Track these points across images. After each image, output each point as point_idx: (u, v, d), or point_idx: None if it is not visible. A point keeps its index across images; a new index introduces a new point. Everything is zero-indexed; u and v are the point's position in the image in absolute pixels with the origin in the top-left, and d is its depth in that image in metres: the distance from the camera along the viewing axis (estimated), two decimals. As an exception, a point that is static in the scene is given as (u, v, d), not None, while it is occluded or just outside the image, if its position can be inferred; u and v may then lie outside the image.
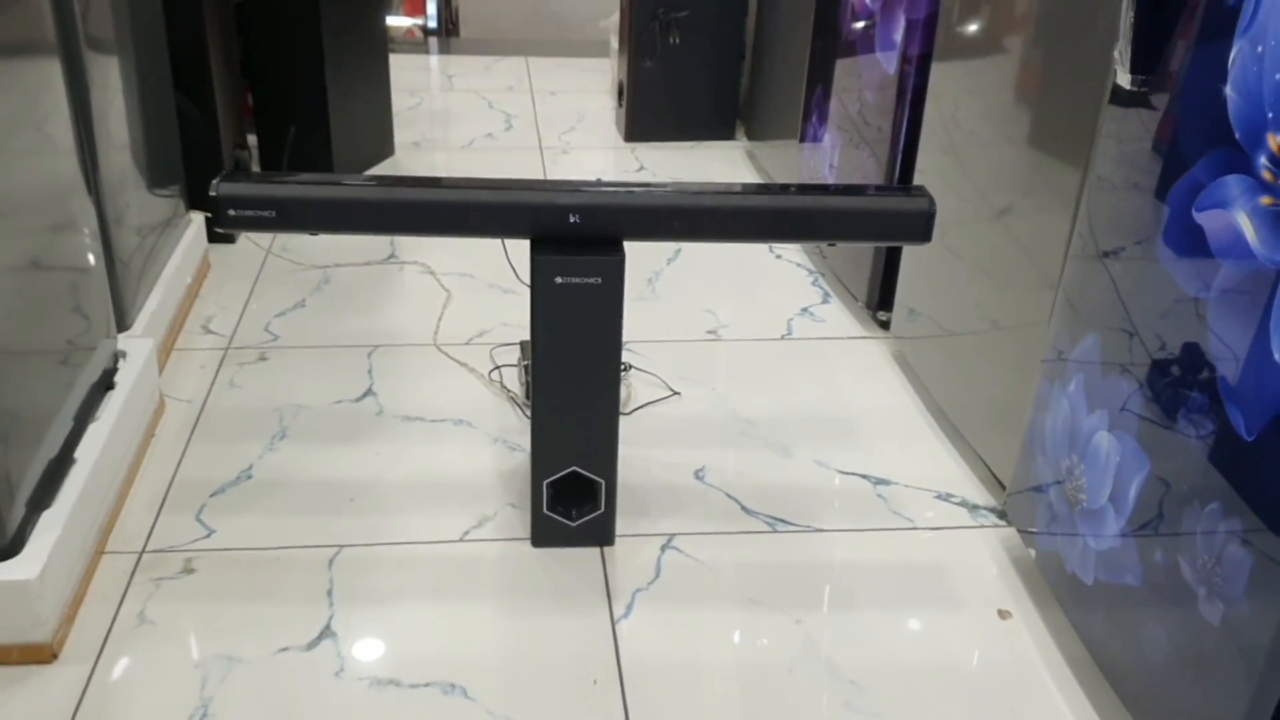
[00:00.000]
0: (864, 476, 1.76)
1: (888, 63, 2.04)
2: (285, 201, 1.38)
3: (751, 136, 3.19)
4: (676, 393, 1.96)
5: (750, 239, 1.44)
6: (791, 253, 2.55)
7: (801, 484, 1.73)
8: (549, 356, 1.45)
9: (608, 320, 1.42)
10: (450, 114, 3.46)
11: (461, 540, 1.58)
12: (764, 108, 3.04)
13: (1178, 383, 1.17)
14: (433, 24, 4.50)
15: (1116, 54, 1.25)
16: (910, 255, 2.03)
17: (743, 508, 1.67)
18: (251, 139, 2.82)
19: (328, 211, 1.39)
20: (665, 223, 1.41)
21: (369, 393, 1.94)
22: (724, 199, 1.40)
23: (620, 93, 3.27)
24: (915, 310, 2.00)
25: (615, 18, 3.40)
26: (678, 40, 3.12)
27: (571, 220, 1.39)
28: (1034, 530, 1.48)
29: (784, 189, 1.42)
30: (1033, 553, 1.49)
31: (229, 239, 2.47)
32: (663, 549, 1.58)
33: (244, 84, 2.92)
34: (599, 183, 1.44)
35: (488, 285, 2.34)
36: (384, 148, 3.04)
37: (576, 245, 1.40)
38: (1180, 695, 1.17)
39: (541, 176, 2.95)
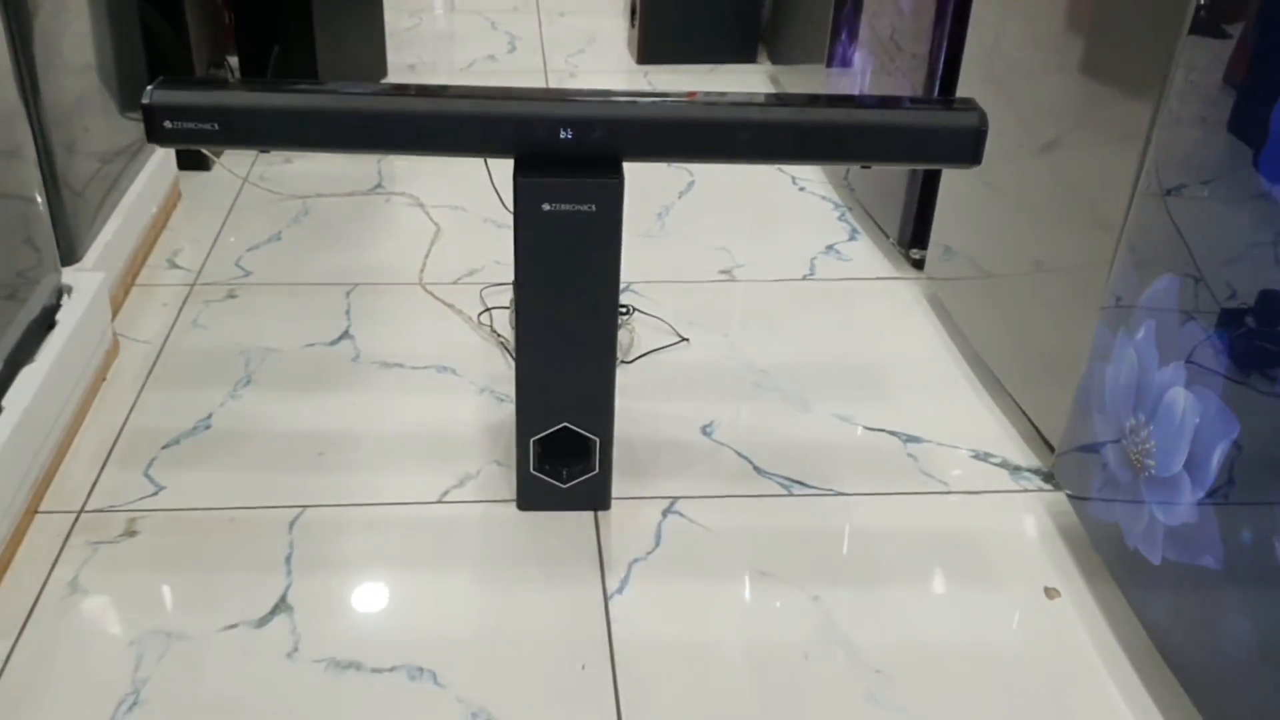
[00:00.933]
0: (892, 433, 1.57)
1: (926, -30, 1.81)
2: (230, 112, 1.19)
3: (775, 60, 2.96)
4: (685, 339, 1.77)
5: (771, 159, 1.23)
6: (816, 184, 2.34)
7: (821, 441, 1.55)
8: (536, 296, 1.26)
9: (604, 254, 1.23)
10: (450, 35, 3.24)
11: (440, 501, 1.41)
12: (788, 28, 2.81)
13: (1276, 335, 0.98)
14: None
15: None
16: (948, 188, 1.82)
17: (755, 468, 1.49)
18: (234, 61, 2.62)
19: (279, 123, 1.20)
20: (673, 139, 1.21)
21: (345, 335, 1.76)
22: (743, 112, 1.19)
23: (633, 12, 3.04)
24: (952, 249, 1.80)
25: (628, -68, 3.16)
26: (694, -45, 2.88)
27: (563, 136, 1.20)
28: (1087, 496, 1.30)
29: (812, 100, 1.22)
30: (1085, 523, 1.31)
31: (202, 165, 2.28)
32: (664, 514, 1.40)
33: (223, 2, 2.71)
34: (596, 92, 1.24)
35: (481, 219, 2.14)
36: (376, 70, 2.83)
37: (568, 166, 1.20)
38: (1262, 695, 0.99)
39: (545, 103, 2.74)
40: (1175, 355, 1.12)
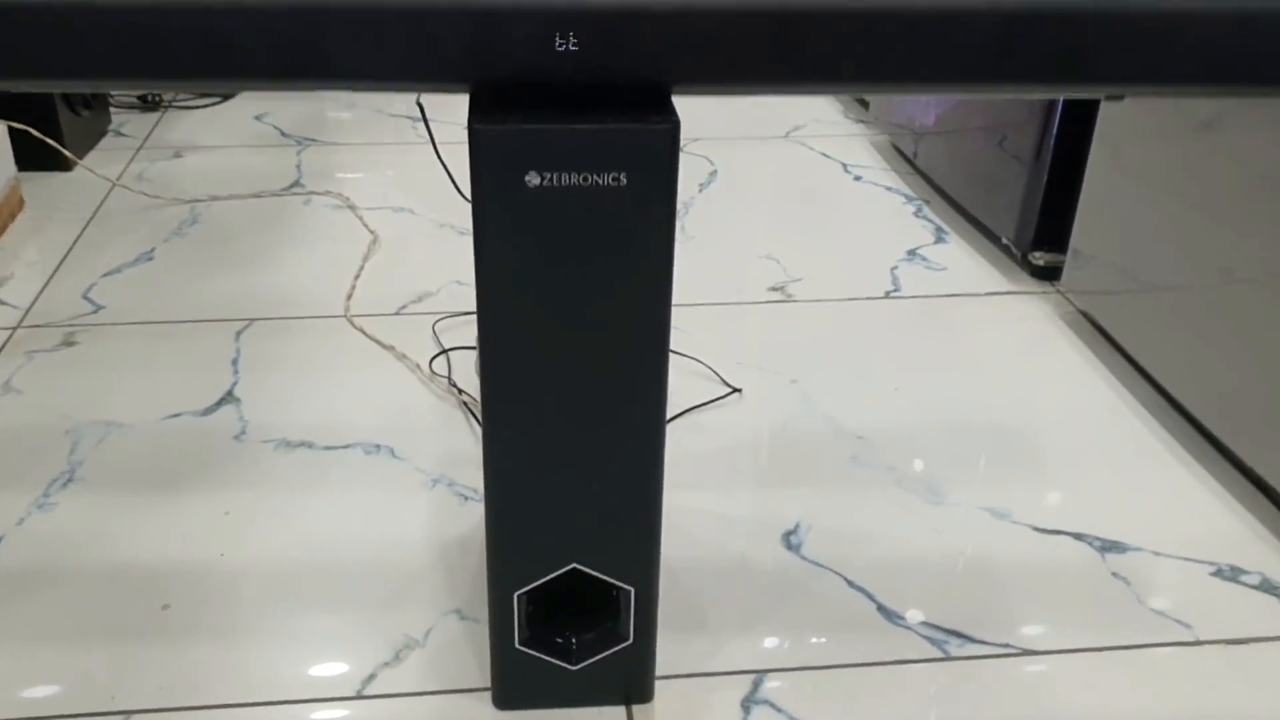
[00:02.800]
0: (1078, 537, 1.01)
1: None
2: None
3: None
4: (736, 390, 1.21)
5: (952, 82, 0.67)
6: (875, 170, 1.79)
7: (973, 555, 0.98)
8: (513, 346, 0.69)
9: (643, 265, 0.67)
10: None
11: (359, 697, 0.83)
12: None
13: None
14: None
15: None
16: (1099, 163, 1.27)
17: (880, 606, 0.92)
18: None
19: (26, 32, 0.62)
20: (774, 46, 0.64)
21: (228, 398, 1.18)
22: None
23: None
24: (1097, 254, 1.25)
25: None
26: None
27: (560, 46, 0.63)
28: None
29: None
30: None
31: (61, 165, 1.69)
32: (745, 707, 0.83)
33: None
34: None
35: (436, 224, 1.57)
36: None
37: (572, 99, 0.64)
38: None
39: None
40: None
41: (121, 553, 0.96)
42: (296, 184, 1.69)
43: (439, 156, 1.00)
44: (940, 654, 0.88)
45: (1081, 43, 0.64)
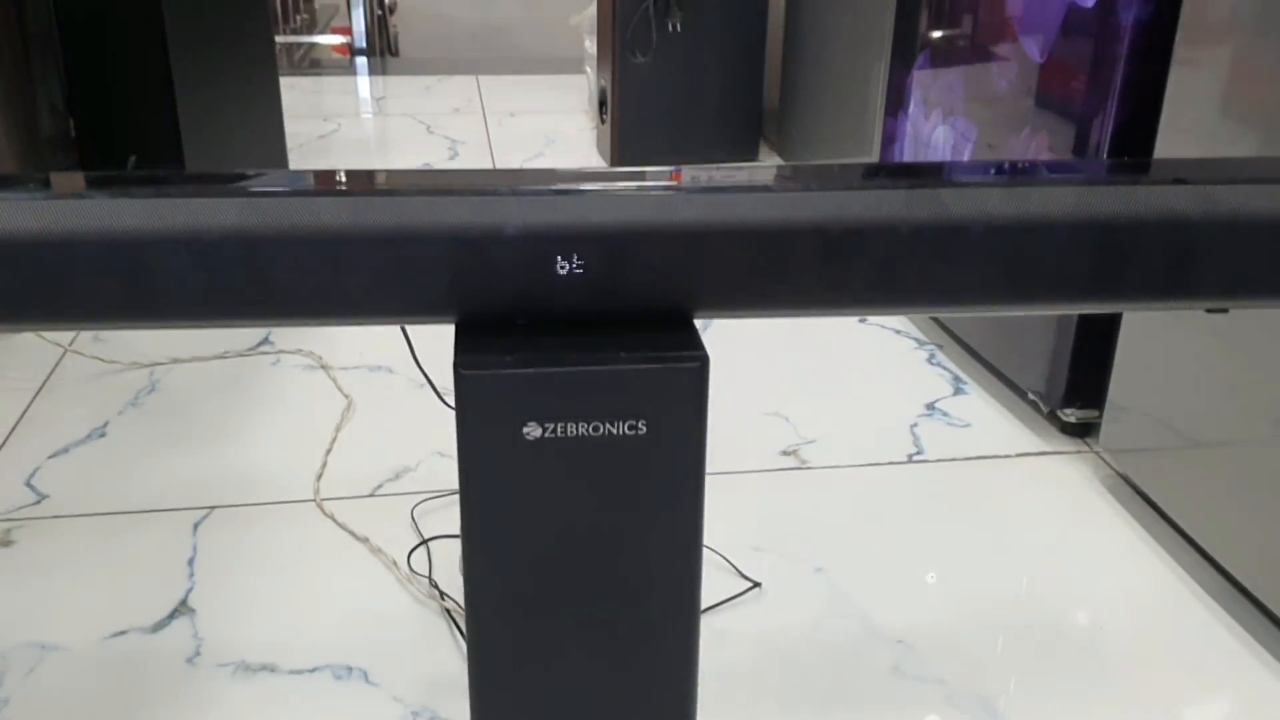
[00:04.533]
0: (1159, 765, 0.88)
1: (1077, -12, 1.20)
2: None
3: (786, 154, 2.34)
4: (755, 584, 1.08)
5: (1029, 301, 0.56)
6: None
7: (1045, 794, 0.85)
8: (506, 622, 0.57)
9: (670, 525, 0.55)
10: (376, 142, 2.60)
11: None
12: (805, 115, 2.20)
13: None
14: (361, 42, 3.65)
15: None
16: (1137, 313, 1.17)
17: None
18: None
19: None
20: (825, 266, 0.54)
21: (181, 609, 1.04)
22: (982, 199, 0.53)
23: (603, 104, 2.42)
24: (1136, 406, 1.14)
25: (590, 10, 2.57)
26: (678, 27, 2.28)
27: (563, 270, 0.53)
28: None
29: (1076, 169, 0.56)
30: None
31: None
32: None
33: (67, 111, 2.06)
34: (617, 173, 0.57)
35: (415, 384, 1.46)
36: (275, 186, 2.16)
37: (577, 334, 0.53)
38: None
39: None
40: None
41: (46, 823, 0.82)
42: (264, 342, 1.58)
43: (422, 370, 0.88)
44: None
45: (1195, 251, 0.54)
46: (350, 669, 0.97)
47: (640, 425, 0.53)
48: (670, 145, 2.39)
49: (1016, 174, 0.59)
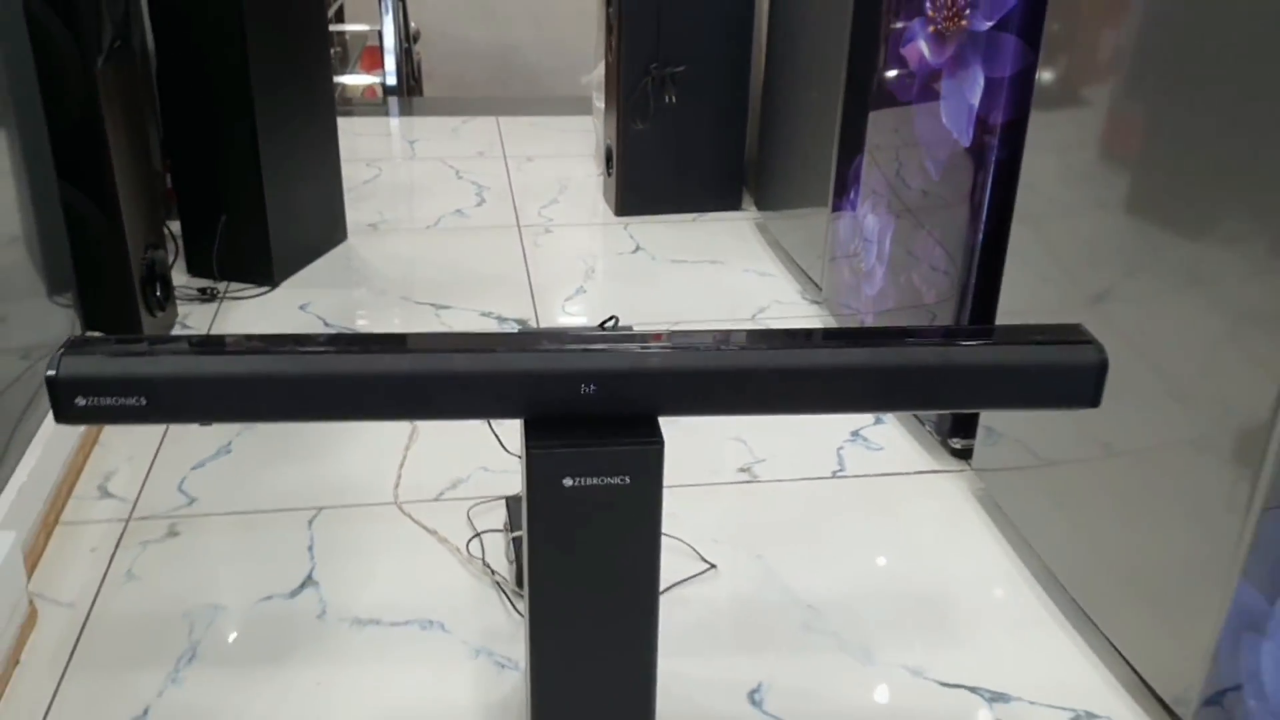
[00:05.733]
0: (973, 690, 1.31)
1: (958, 127, 1.62)
2: (162, 384, 0.94)
3: (762, 206, 2.77)
4: (712, 565, 1.52)
5: (847, 408, 1.00)
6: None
7: (894, 708, 1.29)
8: (554, 585, 1.00)
9: (641, 534, 0.98)
10: (413, 187, 3.03)
11: (435, 830, 1.13)
12: (778, 173, 2.62)
13: None
14: (392, 81, 4.07)
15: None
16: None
17: (820, 751, 1.22)
18: (176, 226, 2.38)
19: (223, 394, 0.94)
20: (724, 392, 0.97)
21: (309, 581, 1.48)
22: (810, 356, 0.96)
23: (609, 160, 2.84)
24: (1001, 432, 1.57)
25: (599, 72, 2.99)
26: (674, 99, 2.71)
27: (585, 391, 0.96)
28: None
29: (881, 336, 0.99)
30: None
31: (141, 361, 2.01)
32: (719, 832, 1.13)
33: (163, 166, 2.48)
34: (618, 330, 1.00)
35: (462, 413, 1.89)
36: (334, 233, 2.59)
37: (592, 427, 0.96)
38: None
39: (522, 262, 2.51)
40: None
41: (242, 718, 1.25)
42: (343, 376, 2.01)
43: (492, 428, 1.33)
44: (865, 788, 1.18)
45: (938, 382, 0.97)
46: (431, 622, 1.41)
47: (626, 479, 0.96)
48: (665, 196, 2.82)
49: (842, 340, 1.01)
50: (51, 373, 0.92)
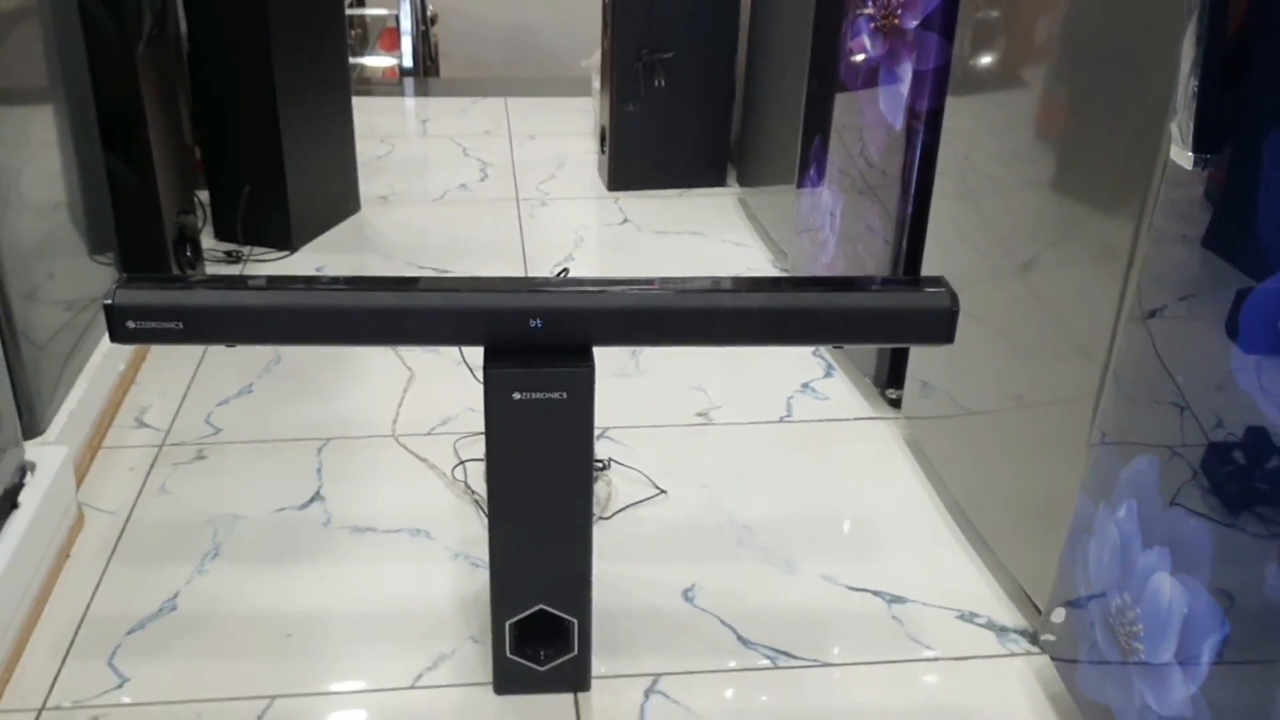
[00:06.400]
0: (876, 593, 1.54)
1: (893, 112, 1.84)
2: (194, 312, 1.17)
3: (744, 183, 2.99)
4: (662, 491, 1.75)
5: (742, 343, 1.23)
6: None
7: (807, 606, 1.52)
8: (508, 481, 1.24)
9: (575, 439, 1.22)
10: (423, 162, 3.26)
11: (414, 687, 1.37)
12: (757, 152, 2.84)
13: (1265, 523, 0.96)
14: (408, 62, 4.30)
15: (1174, 127, 1.04)
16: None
17: (739, 637, 1.45)
18: (205, 194, 2.62)
19: (243, 322, 1.18)
20: (643, 327, 1.20)
21: (316, 497, 1.72)
22: (712, 300, 1.19)
23: (602, 139, 3.07)
24: (929, 385, 1.79)
25: (597, 56, 3.21)
26: (663, 83, 2.92)
27: (533, 325, 1.19)
28: (1075, 660, 1.27)
29: (776, 285, 1.22)
30: (1076, 699, 1.28)
31: (173, 313, 2.25)
32: (646, 694, 1.36)
33: (193, 139, 2.72)
34: (564, 277, 1.23)
35: (455, 362, 2.13)
36: (348, 204, 2.83)
37: (538, 354, 1.19)
38: None
39: (517, 232, 2.75)
40: (1159, 539, 1.11)
41: (256, 604, 1.50)
42: (351, 329, 2.25)
43: (464, 358, 1.56)
44: (773, 665, 1.41)
45: (816, 322, 1.20)
46: (419, 530, 1.65)
47: (564, 395, 1.19)
48: (654, 173, 3.04)
49: (743, 287, 1.23)
50: (109, 302, 1.16)
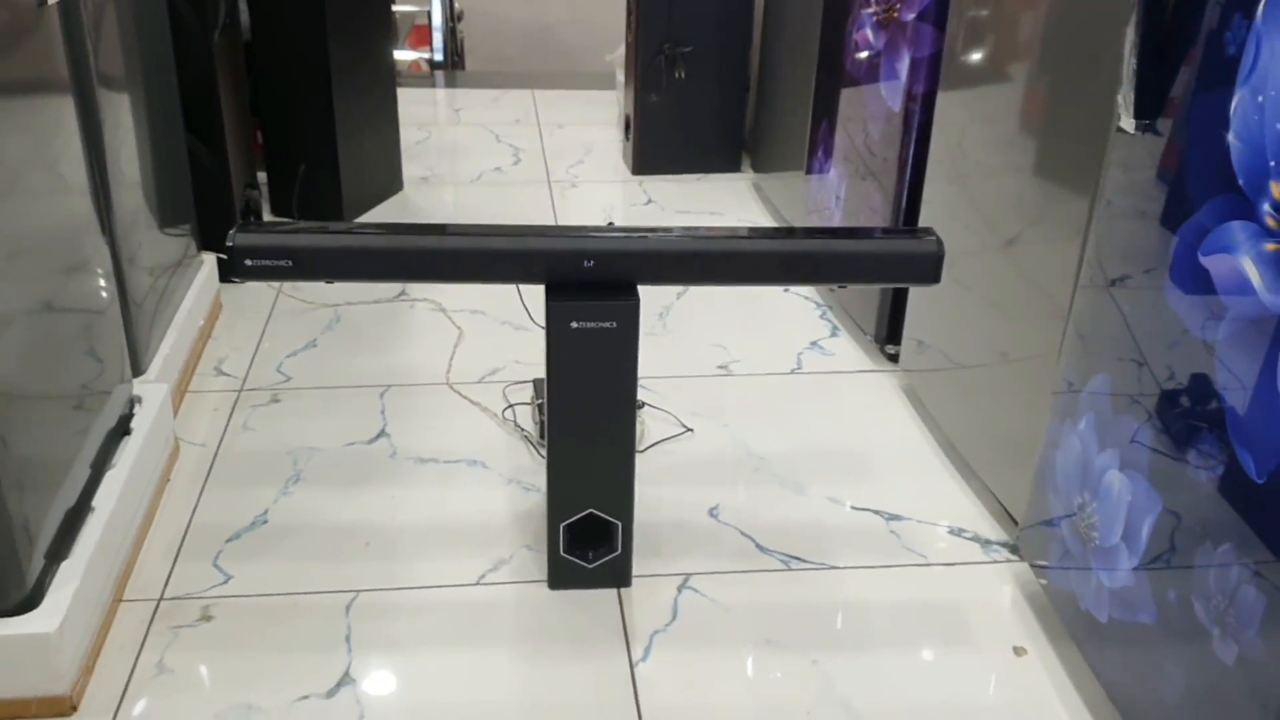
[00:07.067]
0: (876, 512, 1.76)
1: (892, 99, 2.06)
2: (301, 251, 1.40)
3: (757, 169, 3.21)
4: (689, 429, 1.97)
5: (759, 282, 1.45)
6: (799, 286, 2.56)
7: (815, 521, 1.74)
8: (565, 400, 1.46)
9: (623, 363, 1.44)
10: (458, 148, 3.49)
11: (478, 584, 1.59)
12: (769, 140, 3.06)
13: (1188, 422, 1.18)
14: (439, 57, 4.53)
15: (1120, 98, 1.26)
16: (918, 288, 2.04)
17: (757, 545, 1.68)
18: (261, 176, 2.85)
19: (343, 260, 1.41)
20: (678, 267, 1.42)
21: (382, 434, 1.95)
22: (734, 244, 1.41)
23: (627, 126, 3.29)
24: (924, 343, 2.01)
25: (621, 51, 3.43)
26: (683, 75, 3.15)
27: (586, 265, 1.41)
28: (1047, 565, 1.49)
29: (790, 232, 1.44)
30: (1046, 590, 1.50)
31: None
32: (679, 589, 1.58)
33: (253, 122, 2.95)
34: (611, 227, 1.45)
35: (499, 322, 2.35)
36: (393, 183, 3.06)
37: (591, 290, 1.41)
38: (1199, 736, 1.17)
39: (550, 210, 2.97)
40: (1110, 442, 1.33)
41: (337, 518, 1.73)
42: (403, 294, 2.48)
43: (521, 299, 1.79)
44: (786, 568, 1.63)
45: (821, 263, 1.42)
46: (475, 461, 1.87)
47: (613, 324, 1.41)
48: (675, 158, 3.26)
49: (773, 236, 1.46)
50: (230, 243, 1.39)
